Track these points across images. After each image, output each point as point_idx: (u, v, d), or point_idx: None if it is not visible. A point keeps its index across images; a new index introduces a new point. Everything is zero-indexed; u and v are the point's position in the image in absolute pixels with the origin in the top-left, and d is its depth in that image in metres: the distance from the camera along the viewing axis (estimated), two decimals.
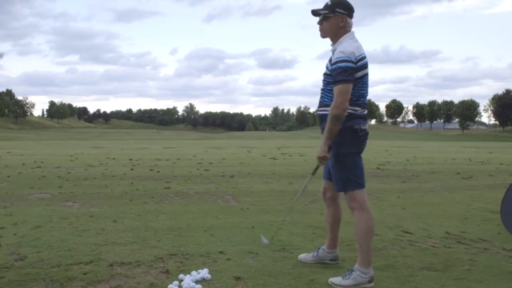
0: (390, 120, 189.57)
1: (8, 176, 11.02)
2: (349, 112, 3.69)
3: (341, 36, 3.83)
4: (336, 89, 3.62)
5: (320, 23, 3.92)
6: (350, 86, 3.61)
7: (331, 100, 3.72)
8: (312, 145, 37.40)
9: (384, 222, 6.10)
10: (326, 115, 3.80)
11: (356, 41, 3.81)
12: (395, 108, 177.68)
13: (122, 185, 9.33)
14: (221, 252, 4.54)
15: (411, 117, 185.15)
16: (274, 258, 4.38)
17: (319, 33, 3.96)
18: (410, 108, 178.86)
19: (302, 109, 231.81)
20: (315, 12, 3.92)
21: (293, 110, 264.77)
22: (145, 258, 4.31)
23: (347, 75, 3.59)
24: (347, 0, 3.87)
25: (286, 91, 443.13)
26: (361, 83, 3.75)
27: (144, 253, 4.49)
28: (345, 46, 3.69)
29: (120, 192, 8.46)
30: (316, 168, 4.04)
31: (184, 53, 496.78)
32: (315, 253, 4.30)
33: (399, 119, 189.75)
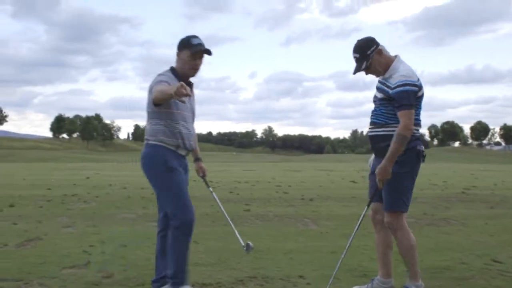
0: (476, 143, 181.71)
1: (97, 196, 11.57)
2: (413, 134, 3.79)
3: (390, 62, 3.94)
4: (404, 113, 3.72)
5: (368, 73, 4.04)
6: (414, 110, 3.74)
7: (386, 120, 3.87)
8: None
9: (471, 249, 5.80)
10: (379, 135, 3.93)
11: (406, 64, 3.93)
12: (480, 129, 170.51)
13: (203, 207, 9.50)
14: (301, 276, 4.49)
15: (498, 139, 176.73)
16: (355, 283, 4.27)
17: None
18: (497, 129, 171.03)
19: None
20: (357, 72, 4.03)
21: None
22: (226, 280, 4.35)
23: (412, 99, 3.72)
24: (364, 39, 3.99)
25: (366, 113, 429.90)
26: (421, 103, 3.88)
27: (224, 274, 4.54)
28: (406, 70, 3.82)
29: (201, 214, 8.62)
30: (376, 192, 3.99)
31: (263, 76, 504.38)
32: (370, 284, 4.17)
33: (485, 141, 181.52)
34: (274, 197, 11.87)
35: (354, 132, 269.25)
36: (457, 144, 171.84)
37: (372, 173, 4.04)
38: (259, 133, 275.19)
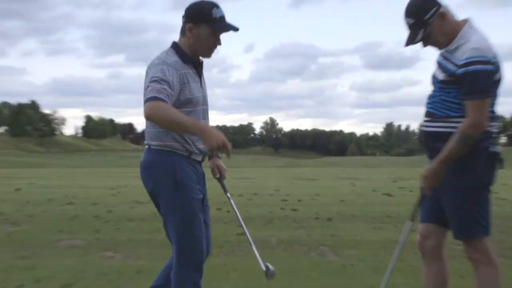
0: None
1: (30, 216, 11.52)
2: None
3: (458, 29, 3.83)
4: (473, 104, 3.65)
5: (426, 45, 3.97)
6: (488, 100, 3.67)
7: (447, 112, 3.83)
8: None
9: None
10: (437, 133, 3.88)
11: (481, 31, 3.83)
12: None
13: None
14: None
15: None
16: None
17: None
18: None
19: None
20: (411, 43, 3.95)
21: (414, 126, 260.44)
22: None
23: (487, 84, 3.64)
24: None
25: (405, 101, 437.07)
26: (497, 88, 3.80)
27: None
28: (480, 41, 3.71)
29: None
30: (420, 201, 3.99)
31: (263, 50, 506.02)
32: None
33: None
34: (278, 215, 11.85)
35: (389, 127, 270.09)
36: (504, 139, 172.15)
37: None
38: (258, 127, 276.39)
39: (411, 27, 3.89)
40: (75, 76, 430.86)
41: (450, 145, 3.70)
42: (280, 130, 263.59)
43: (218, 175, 4.50)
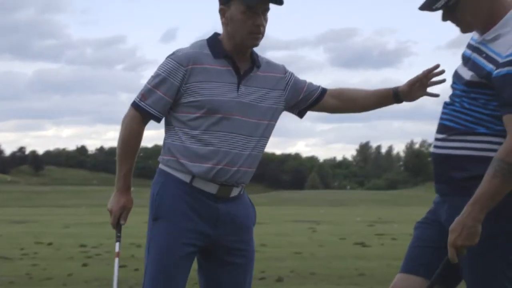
0: None
1: None
2: None
3: (502, 12, 3.67)
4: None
5: (446, 18, 3.82)
6: None
7: (472, 125, 3.65)
8: None
9: None
10: (455, 157, 3.70)
11: None
12: None
13: None
14: None
15: None
16: None
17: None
18: None
19: (416, 146, 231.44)
20: (429, 8, 3.75)
21: (399, 148, 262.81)
22: None
23: None
24: None
25: (386, 113, 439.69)
26: None
27: None
28: None
29: None
30: (444, 267, 3.87)
31: (187, 39, 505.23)
32: None
33: None
34: None
35: (364, 148, 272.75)
36: None
37: (438, 229, 3.89)
38: None
39: None
40: None
41: (484, 183, 3.47)
42: None
43: None
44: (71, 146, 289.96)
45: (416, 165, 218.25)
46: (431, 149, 3.92)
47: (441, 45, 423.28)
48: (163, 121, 4.21)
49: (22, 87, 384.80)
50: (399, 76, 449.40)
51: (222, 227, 4.09)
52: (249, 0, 3.99)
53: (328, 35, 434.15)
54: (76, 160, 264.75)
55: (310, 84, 4.51)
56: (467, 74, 3.72)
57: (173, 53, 4.10)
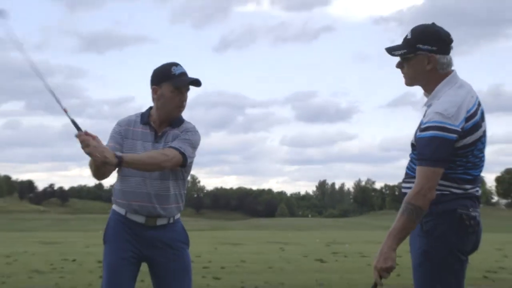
0: (504, 201, 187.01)
1: None
2: (450, 191, 3.66)
3: (436, 83, 3.80)
4: (421, 170, 3.58)
5: (399, 66, 3.96)
6: (441, 170, 3.57)
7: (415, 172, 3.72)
8: (380, 239, 36.84)
9: None
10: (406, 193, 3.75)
11: (461, 86, 3.77)
12: (511, 182, 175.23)
13: None
14: None
15: None
16: None
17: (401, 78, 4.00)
18: None
19: (363, 183, 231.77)
20: (392, 52, 3.92)
21: (350, 185, 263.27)
22: None
23: (439, 153, 3.54)
24: (436, 28, 3.85)
25: (339, 157, 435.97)
26: (474, 150, 3.69)
27: None
28: (444, 104, 3.61)
29: None
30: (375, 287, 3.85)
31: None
32: None
33: None
34: (199, 284, 11.74)
35: (322, 185, 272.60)
36: None
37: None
38: None
39: (404, 40, 3.88)
40: None
41: (397, 218, 3.60)
42: (202, 188, 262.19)
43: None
44: (90, 183, 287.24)
45: (362, 198, 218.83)
46: (402, 189, 3.98)
47: (382, 104, 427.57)
48: None
49: (52, 137, 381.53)
50: (350, 128, 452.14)
51: (145, 245, 4.43)
52: (177, 83, 4.37)
53: (294, 96, 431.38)
54: (95, 194, 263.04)
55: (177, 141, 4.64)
56: (413, 139, 3.86)
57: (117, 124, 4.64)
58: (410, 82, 3.94)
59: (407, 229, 3.59)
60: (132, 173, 4.33)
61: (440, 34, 3.82)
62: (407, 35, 3.87)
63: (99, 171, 4.26)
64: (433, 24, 3.86)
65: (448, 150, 3.55)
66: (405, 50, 3.84)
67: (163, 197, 4.39)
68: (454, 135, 3.55)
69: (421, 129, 3.67)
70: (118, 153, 4.10)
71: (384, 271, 3.62)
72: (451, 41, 3.83)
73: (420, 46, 3.78)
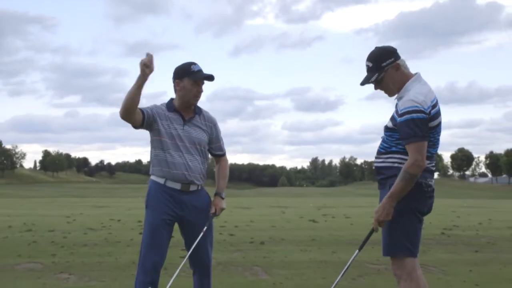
0: (457, 174, 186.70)
1: None
2: None
3: (406, 81, 3.97)
4: (410, 146, 3.74)
5: (377, 88, 4.10)
6: (426, 142, 3.75)
7: (388, 148, 3.95)
8: (360, 204, 37.00)
9: None
10: (379, 167, 4.01)
11: (425, 83, 3.96)
12: (463, 158, 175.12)
13: (129, 253, 9.32)
14: None
15: (483, 169, 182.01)
16: None
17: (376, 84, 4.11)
18: (482, 158, 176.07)
19: (347, 160, 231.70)
20: (366, 83, 4.09)
21: (336, 161, 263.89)
22: None
23: (421, 130, 3.71)
24: (382, 47, 4.08)
25: (328, 139, 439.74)
26: (434, 133, 3.87)
27: None
28: (414, 94, 3.81)
29: (127, 262, 8.45)
30: (370, 235, 4.02)
31: (205, 93, 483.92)
32: None
33: (468, 172, 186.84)
34: (217, 240, 11.73)
35: (314, 161, 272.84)
36: (436, 175, 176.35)
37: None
38: None
39: (369, 69, 4.03)
40: (34, 115, 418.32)
41: (396, 183, 3.75)
42: None
43: (213, 211, 4.79)
44: (132, 159, 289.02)
45: (347, 171, 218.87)
46: (374, 163, 4.17)
47: (362, 98, 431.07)
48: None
49: (102, 123, 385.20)
50: (337, 116, 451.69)
51: (179, 207, 4.55)
52: (196, 77, 4.49)
53: (293, 91, 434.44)
54: (135, 168, 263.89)
55: (221, 145, 5.18)
56: (390, 123, 3.97)
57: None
58: (393, 92, 4.05)
59: (404, 191, 3.76)
60: (173, 147, 4.47)
61: (387, 48, 4.06)
62: (368, 65, 4.06)
63: (135, 100, 4.22)
64: (376, 46, 4.10)
65: (426, 126, 3.75)
66: (377, 74, 3.99)
67: (194, 169, 4.56)
68: (426, 115, 3.73)
69: (399, 114, 3.80)
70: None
71: (382, 222, 3.84)
72: (395, 49, 4.04)
73: (384, 64, 3.96)
